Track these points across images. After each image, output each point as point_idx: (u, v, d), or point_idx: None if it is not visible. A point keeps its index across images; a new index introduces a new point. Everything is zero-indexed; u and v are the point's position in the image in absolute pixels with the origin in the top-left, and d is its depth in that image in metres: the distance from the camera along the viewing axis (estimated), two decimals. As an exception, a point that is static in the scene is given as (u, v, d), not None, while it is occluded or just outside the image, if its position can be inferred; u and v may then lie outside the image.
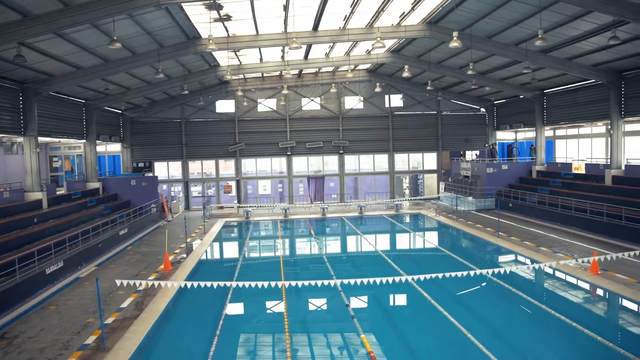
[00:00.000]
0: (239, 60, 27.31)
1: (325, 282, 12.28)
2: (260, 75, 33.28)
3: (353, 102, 35.48)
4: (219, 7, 18.43)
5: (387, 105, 35.69)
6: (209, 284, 14.11)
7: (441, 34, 22.82)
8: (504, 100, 34.44)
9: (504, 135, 36.56)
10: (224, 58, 27.14)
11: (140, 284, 13.63)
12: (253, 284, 13.00)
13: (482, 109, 36.29)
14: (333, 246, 24.00)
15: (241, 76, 32.20)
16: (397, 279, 11.67)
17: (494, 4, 19.15)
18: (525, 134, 35.51)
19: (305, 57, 27.80)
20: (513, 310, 13.19)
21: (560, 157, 31.66)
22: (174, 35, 20.44)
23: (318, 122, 35.11)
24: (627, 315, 12.77)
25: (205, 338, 11.32)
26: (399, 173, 36.50)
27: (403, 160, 36.49)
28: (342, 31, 22.13)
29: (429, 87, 30.21)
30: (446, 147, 36.39)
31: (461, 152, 37.27)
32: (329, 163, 35.88)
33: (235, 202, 33.89)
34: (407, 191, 37.02)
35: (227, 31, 21.23)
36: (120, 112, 32.60)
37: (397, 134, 35.80)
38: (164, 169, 34.44)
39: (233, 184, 34.76)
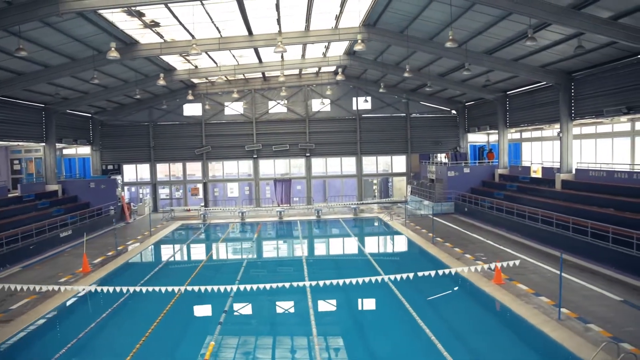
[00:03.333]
0: (191, 64, 27.59)
1: (222, 287, 12.49)
2: (226, 79, 33.55)
3: (320, 105, 35.33)
4: (140, 14, 18.71)
5: (354, 107, 35.42)
6: (99, 289, 14.38)
7: (380, 36, 22.56)
8: (473, 102, 33.75)
9: (477, 138, 35.81)
10: (178, 62, 27.51)
11: (41, 288, 13.96)
12: (152, 288, 13.38)
13: (453, 111, 35.63)
14: (264, 251, 23.70)
15: (204, 80, 32.55)
16: (294, 284, 11.87)
17: (419, 4, 18.87)
18: (497, 137, 34.63)
19: (259, 60, 27.86)
20: (386, 319, 13.01)
21: (528, 160, 30.84)
22: (107, 41, 20.75)
23: (285, 125, 35.12)
24: (492, 328, 12.22)
25: (66, 340, 11.44)
26: (368, 176, 36.17)
27: (372, 163, 36.16)
28: (278, 35, 22.06)
29: (381, 90, 29.94)
30: (416, 149, 35.87)
31: (435, 155, 36.60)
32: (296, 166, 35.85)
33: (202, 204, 34.22)
34: (376, 194, 36.62)
35: (162, 37, 21.48)
36: (89, 115, 33.37)
37: (365, 136, 35.50)
38: (133, 172, 35.07)
39: (200, 186, 35.11)
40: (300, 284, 13.09)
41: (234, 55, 26.76)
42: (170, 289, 13.24)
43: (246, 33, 21.62)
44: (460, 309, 13.75)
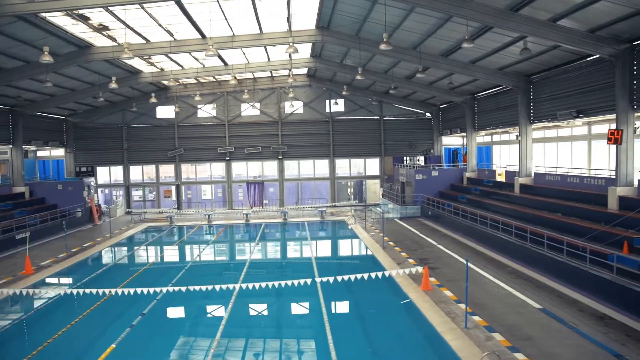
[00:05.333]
0: (156, 67, 27.64)
1: (151, 289, 12.72)
2: (197, 81, 33.61)
3: (293, 107, 35.23)
4: (85, 18, 18.75)
5: (327, 110, 35.29)
6: (30, 291, 14.45)
7: (334, 39, 22.47)
8: (446, 105, 33.47)
9: (452, 140, 35.50)
10: (143, 65, 27.57)
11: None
12: (83, 291, 13.58)
13: (428, 114, 35.37)
14: (213, 254, 23.41)
15: (176, 82, 32.57)
16: (224, 286, 12.53)
17: (364, 7, 18.78)
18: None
19: (224, 63, 27.85)
20: (295, 321, 13.02)
21: (499, 163, 30.48)
22: (60, 45, 20.89)
23: (257, 127, 35.11)
24: (394, 334, 11.97)
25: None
26: (341, 179, 36.02)
27: (346, 166, 36.01)
28: (232, 38, 22.07)
29: (344, 92, 29.80)
30: (389, 152, 35.64)
31: (415, 158, 36.26)
32: (270, 168, 35.78)
33: (175, 206, 34.27)
34: (351, 197, 36.41)
35: (115, 40, 21.52)
36: (63, 118, 33.59)
37: (338, 139, 35.37)
38: (106, 174, 35.23)
39: (173, 188, 35.17)
40: (230, 286, 13.50)
41: (196, 59, 26.77)
42: (101, 291, 13.41)
43: (199, 36, 21.59)
44: (373, 313, 13.67)
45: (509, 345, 10.29)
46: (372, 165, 36.19)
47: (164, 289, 13.06)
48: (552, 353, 9.85)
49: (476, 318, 11.86)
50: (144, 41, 21.88)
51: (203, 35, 21.50)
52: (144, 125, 35.03)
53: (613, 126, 17.30)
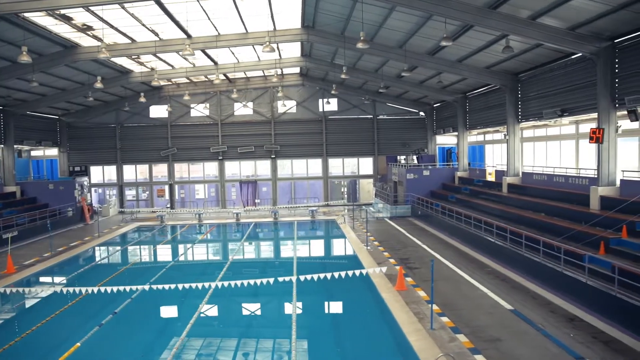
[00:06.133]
0: (146, 67, 27.69)
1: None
2: (190, 81, 33.66)
3: (284, 107, 35.17)
4: (67, 18, 18.81)
5: (320, 109, 35.19)
6: (8, 290, 14.54)
7: (320, 38, 22.38)
8: (440, 104, 33.26)
9: (446, 140, 35.23)
10: (134, 65, 27.63)
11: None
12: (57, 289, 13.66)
13: (422, 113, 35.16)
14: (197, 254, 23.26)
15: (169, 82, 32.66)
16: (194, 284, 12.76)
17: (346, 5, 18.68)
18: (468, 138, 33.96)
19: (214, 62, 27.84)
20: (264, 319, 13.00)
21: (492, 163, 30.20)
22: (45, 45, 20.99)
23: (250, 126, 35.09)
24: (358, 334, 11.86)
25: None
26: (334, 178, 35.91)
27: (339, 165, 35.91)
28: (217, 37, 22.05)
29: (333, 92, 29.65)
30: (383, 151, 35.48)
31: (410, 157, 36.04)
32: (263, 168, 35.76)
33: (168, 206, 34.36)
34: (345, 196, 36.29)
35: (101, 40, 21.54)
36: (56, 117, 33.79)
37: (331, 138, 35.27)
38: (100, 173, 35.40)
39: (166, 187, 35.26)
40: (207, 285, 13.49)
41: (186, 58, 26.78)
42: (71, 289, 13.46)
43: (184, 36, 21.58)
44: (343, 313, 13.62)
45: (471, 347, 10.15)
46: (366, 165, 36.06)
47: (141, 288, 13.14)
48: (514, 355, 9.70)
49: (444, 319, 11.74)
50: (129, 41, 21.92)
51: (189, 35, 21.51)
52: (137, 124, 35.16)
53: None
